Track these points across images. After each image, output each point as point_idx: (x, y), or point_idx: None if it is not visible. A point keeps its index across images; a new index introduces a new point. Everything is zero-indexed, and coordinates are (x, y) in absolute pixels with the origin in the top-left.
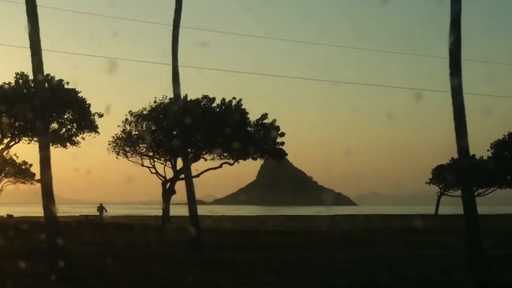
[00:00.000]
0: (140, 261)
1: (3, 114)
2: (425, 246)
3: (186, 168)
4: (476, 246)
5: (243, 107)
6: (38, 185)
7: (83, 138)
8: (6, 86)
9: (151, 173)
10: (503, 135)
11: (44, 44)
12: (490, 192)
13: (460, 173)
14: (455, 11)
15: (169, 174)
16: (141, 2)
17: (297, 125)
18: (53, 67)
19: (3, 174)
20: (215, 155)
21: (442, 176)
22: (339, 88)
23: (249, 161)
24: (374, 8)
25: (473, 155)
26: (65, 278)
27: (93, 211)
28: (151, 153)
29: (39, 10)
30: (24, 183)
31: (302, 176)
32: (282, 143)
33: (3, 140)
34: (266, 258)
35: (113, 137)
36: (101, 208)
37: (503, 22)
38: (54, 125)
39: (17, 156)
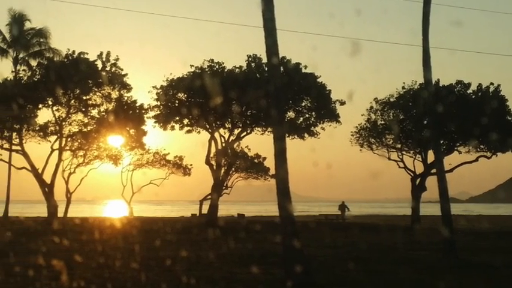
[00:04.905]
0: (387, 266)
1: (234, 102)
2: None
3: (438, 162)
4: None
5: (501, 93)
6: (272, 181)
7: (323, 129)
8: (237, 70)
9: (399, 167)
10: None
11: (279, 23)
12: None
13: None
14: None
15: (419, 168)
16: None
17: None
18: (289, 49)
19: (233, 169)
20: (470, 147)
21: None
22: None
23: (509, 153)
24: None
25: None
26: (303, 284)
27: (334, 210)
28: (399, 145)
29: None
30: (257, 178)
31: None
32: None
33: (233, 131)
34: None
35: (356, 127)
36: (342, 207)
37: None
38: (291, 114)
39: (249, 149)
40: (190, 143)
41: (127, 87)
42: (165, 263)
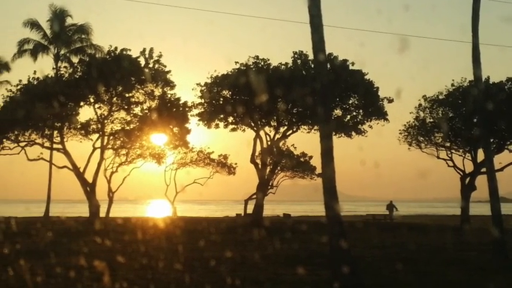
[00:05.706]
0: (435, 267)
1: (279, 99)
2: None
3: (488, 161)
4: None
5: None
6: (319, 180)
7: (370, 127)
8: (283, 67)
9: (448, 166)
10: None
11: (326, 19)
12: None
13: None
14: None
15: (469, 167)
16: None
17: None
18: (336, 45)
19: (279, 168)
20: None
21: None
22: None
23: None
24: None
25: None
26: (350, 285)
27: (381, 210)
28: (448, 144)
29: None
30: (303, 177)
31: None
32: None
33: (279, 129)
34: None
35: (405, 125)
36: (390, 206)
37: None
38: (338, 112)
39: (295, 147)
40: (235, 142)
41: (170, 84)
42: (209, 264)
